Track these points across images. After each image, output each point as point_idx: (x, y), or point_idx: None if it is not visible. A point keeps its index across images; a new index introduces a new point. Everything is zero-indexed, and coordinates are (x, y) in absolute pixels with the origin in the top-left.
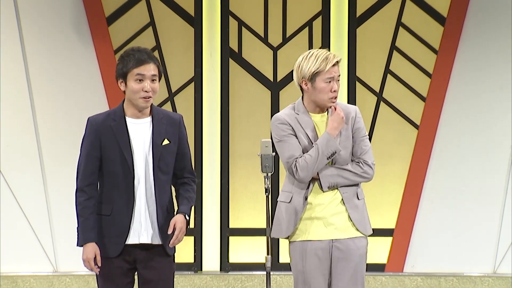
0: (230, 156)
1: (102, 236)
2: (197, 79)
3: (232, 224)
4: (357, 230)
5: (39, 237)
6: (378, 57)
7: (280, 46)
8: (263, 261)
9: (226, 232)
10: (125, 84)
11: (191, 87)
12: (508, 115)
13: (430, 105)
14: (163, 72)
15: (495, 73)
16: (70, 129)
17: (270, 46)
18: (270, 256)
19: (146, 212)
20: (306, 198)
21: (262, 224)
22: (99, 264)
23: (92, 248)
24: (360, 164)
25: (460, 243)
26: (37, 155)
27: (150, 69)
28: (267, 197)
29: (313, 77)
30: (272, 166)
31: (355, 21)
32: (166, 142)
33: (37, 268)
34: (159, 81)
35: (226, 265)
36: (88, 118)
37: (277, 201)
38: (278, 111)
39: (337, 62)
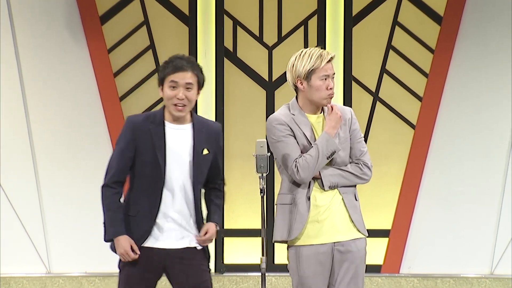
0: (225, 156)
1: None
2: None
3: (227, 225)
4: (358, 231)
5: (32, 238)
6: (374, 56)
7: (276, 45)
8: (258, 262)
9: (221, 233)
10: (162, 89)
11: None
12: (506, 115)
13: (426, 105)
14: (203, 81)
15: (492, 73)
16: (64, 129)
17: (265, 45)
18: (265, 257)
19: (175, 218)
20: (309, 198)
21: (257, 225)
22: (138, 252)
23: (126, 239)
24: (360, 165)
25: (457, 244)
26: (30, 156)
27: (185, 77)
28: (262, 197)
29: (309, 75)
30: (267, 167)
31: (351, 20)
32: (205, 152)
33: (30, 270)
34: (199, 90)
35: (220, 266)
36: (128, 117)
37: (275, 204)
38: (274, 111)
39: (332, 58)
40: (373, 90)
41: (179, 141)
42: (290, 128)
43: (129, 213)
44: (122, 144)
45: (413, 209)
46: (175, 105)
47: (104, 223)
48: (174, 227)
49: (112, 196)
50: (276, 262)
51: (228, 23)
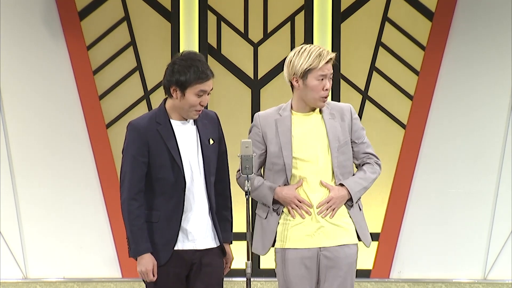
0: None
1: (152, 244)
2: None
3: None
4: (347, 236)
5: (8, 242)
6: (363, 53)
7: (261, 42)
8: (243, 267)
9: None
10: (182, 94)
11: None
12: (499, 114)
13: (417, 103)
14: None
15: (485, 70)
16: (41, 128)
17: (250, 42)
18: (250, 261)
19: (197, 216)
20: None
21: (242, 228)
22: (156, 275)
23: (150, 259)
24: (372, 163)
25: (449, 248)
26: (6, 156)
27: (211, 84)
28: (248, 200)
29: (305, 74)
30: (252, 168)
31: (339, 16)
32: (211, 141)
33: (6, 275)
34: None
35: None
36: (130, 123)
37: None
38: (259, 110)
39: (331, 59)
40: (362, 88)
41: (186, 136)
42: (263, 134)
43: (150, 219)
44: (132, 152)
45: (404, 212)
46: (198, 110)
47: (128, 238)
48: (198, 227)
49: (137, 210)
50: (261, 266)
51: (212, 19)
